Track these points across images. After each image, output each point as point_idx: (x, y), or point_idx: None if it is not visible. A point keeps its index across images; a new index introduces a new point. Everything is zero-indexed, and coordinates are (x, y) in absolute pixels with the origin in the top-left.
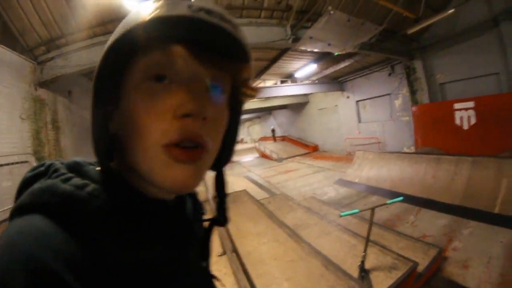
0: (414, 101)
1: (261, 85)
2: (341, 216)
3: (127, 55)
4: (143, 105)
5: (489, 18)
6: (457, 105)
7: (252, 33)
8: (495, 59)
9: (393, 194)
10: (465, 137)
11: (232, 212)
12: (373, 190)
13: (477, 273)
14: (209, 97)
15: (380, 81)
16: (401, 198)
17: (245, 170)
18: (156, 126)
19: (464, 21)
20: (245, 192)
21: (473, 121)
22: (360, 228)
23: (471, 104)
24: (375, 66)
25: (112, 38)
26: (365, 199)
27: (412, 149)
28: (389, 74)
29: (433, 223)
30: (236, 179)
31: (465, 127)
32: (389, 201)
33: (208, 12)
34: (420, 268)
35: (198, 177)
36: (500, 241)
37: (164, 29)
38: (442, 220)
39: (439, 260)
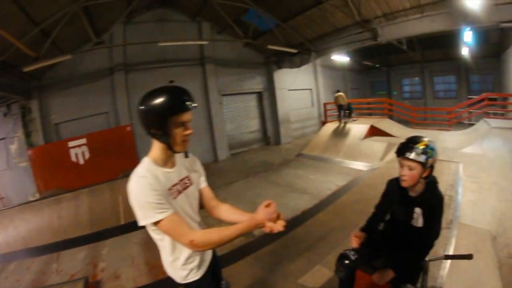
0: (29, 144)
1: None
2: None
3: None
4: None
5: (108, 67)
6: (71, 143)
7: None
8: (106, 101)
9: (32, 250)
10: (83, 171)
11: None
12: (9, 256)
13: (130, 273)
14: None
15: None
16: None
17: None
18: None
19: (86, 66)
20: None
21: (87, 155)
22: None
23: (84, 140)
24: None
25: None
26: (3, 272)
27: (37, 196)
28: (5, 114)
29: (74, 260)
30: None
31: (81, 162)
32: None
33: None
34: None
35: None
36: (134, 242)
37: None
38: (81, 253)
39: (91, 287)
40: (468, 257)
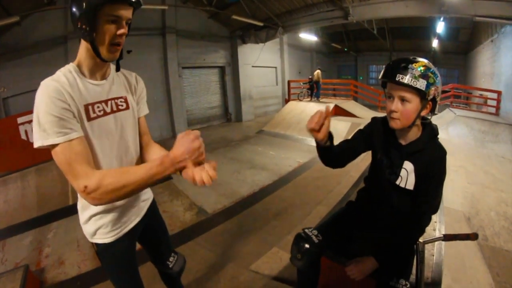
0: None
1: None
2: None
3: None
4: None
5: (61, 35)
6: (20, 119)
7: None
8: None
9: None
10: (33, 149)
11: None
12: None
13: (74, 258)
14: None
15: None
16: None
17: None
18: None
19: (38, 33)
20: None
21: None
22: None
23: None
24: None
25: None
26: None
27: None
28: None
29: (19, 247)
30: None
31: (32, 139)
32: None
33: None
34: None
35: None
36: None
37: None
38: (27, 239)
39: (31, 276)
40: (473, 237)
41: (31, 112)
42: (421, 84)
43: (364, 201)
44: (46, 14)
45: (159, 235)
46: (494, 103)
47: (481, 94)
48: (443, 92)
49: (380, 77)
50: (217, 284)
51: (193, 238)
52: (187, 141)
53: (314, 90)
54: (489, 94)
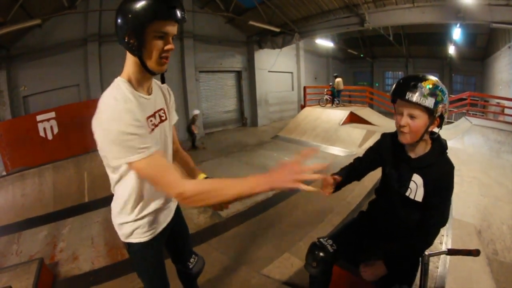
0: None
1: None
2: None
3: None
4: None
5: (80, 37)
6: (39, 117)
7: None
8: (78, 73)
9: None
10: (51, 147)
11: None
12: None
13: (88, 254)
14: None
15: None
16: None
17: None
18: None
19: (58, 35)
20: None
21: (56, 130)
22: None
23: (52, 114)
24: None
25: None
26: None
27: (5, 174)
28: None
29: (35, 240)
30: None
31: (50, 137)
32: None
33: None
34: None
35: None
36: (96, 221)
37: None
38: (42, 233)
39: (46, 269)
40: (475, 253)
41: (49, 110)
42: (430, 102)
43: (375, 212)
44: (66, 17)
45: (184, 236)
46: (511, 111)
47: (498, 103)
48: (460, 100)
49: (390, 93)
50: (229, 286)
51: (207, 240)
52: (288, 168)
53: (335, 97)
54: (506, 103)
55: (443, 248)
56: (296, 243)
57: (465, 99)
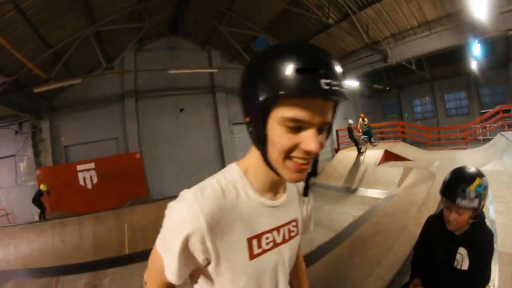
0: (38, 164)
1: None
2: None
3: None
4: None
5: (119, 93)
6: (79, 167)
7: None
8: (116, 126)
9: (32, 272)
10: (90, 196)
11: None
12: (7, 274)
13: None
14: None
15: (5, 140)
16: None
17: None
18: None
19: (97, 91)
20: None
21: (95, 180)
22: None
23: (92, 165)
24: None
25: None
26: None
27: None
28: (16, 132)
29: (74, 287)
30: None
31: (89, 186)
32: None
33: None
34: None
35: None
36: (137, 274)
37: None
38: (82, 280)
39: None
40: None
41: (89, 161)
42: (475, 203)
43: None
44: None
45: None
46: None
47: None
48: (492, 116)
49: (440, 192)
50: None
51: None
52: None
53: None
54: None
55: None
56: None
57: (497, 114)
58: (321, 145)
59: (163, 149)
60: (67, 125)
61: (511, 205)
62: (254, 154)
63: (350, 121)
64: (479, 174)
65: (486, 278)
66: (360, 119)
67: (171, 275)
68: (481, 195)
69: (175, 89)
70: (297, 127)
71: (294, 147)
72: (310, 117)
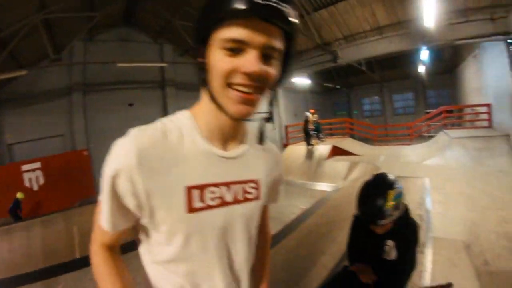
0: None
1: None
2: None
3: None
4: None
5: (65, 86)
6: (25, 167)
7: None
8: (63, 122)
9: None
10: (37, 198)
11: None
12: None
13: None
14: None
15: None
16: None
17: None
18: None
19: (44, 84)
20: None
21: (41, 181)
22: None
23: (38, 164)
24: None
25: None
26: None
27: None
28: None
29: None
30: None
31: (35, 188)
32: None
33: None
34: None
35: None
36: (89, 279)
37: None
38: None
39: None
40: (447, 286)
41: (34, 160)
42: (396, 213)
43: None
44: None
45: None
46: (485, 116)
47: (472, 109)
48: (436, 116)
49: (364, 218)
50: None
51: None
52: None
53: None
54: (479, 109)
55: (420, 283)
56: None
57: (440, 115)
58: (268, 75)
59: (112, 145)
60: (11, 122)
61: (450, 196)
62: (203, 97)
63: (308, 114)
64: (390, 186)
65: (413, 264)
66: (310, 114)
67: (104, 222)
68: (398, 203)
69: (125, 82)
70: (236, 48)
71: (234, 70)
72: (249, 37)
